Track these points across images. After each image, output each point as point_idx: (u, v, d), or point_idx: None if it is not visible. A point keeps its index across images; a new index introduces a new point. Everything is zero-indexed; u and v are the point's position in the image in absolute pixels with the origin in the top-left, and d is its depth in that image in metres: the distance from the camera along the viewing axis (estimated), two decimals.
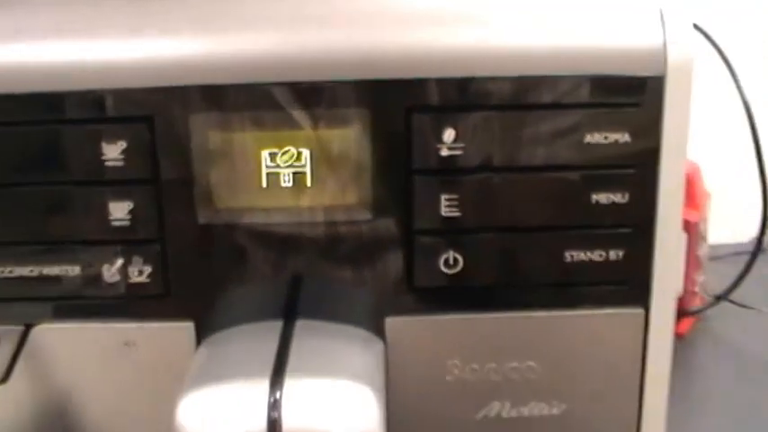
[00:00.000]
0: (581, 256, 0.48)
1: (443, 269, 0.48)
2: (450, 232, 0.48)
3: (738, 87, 1.07)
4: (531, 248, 0.48)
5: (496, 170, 0.47)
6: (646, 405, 0.51)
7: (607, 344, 0.50)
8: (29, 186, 0.48)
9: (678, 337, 1.13)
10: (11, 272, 0.49)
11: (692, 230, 1.10)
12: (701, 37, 1.15)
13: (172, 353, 0.49)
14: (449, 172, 0.47)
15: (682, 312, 1.11)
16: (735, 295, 1.12)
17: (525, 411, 0.51)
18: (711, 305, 1.15)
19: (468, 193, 0.47)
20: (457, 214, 0.47)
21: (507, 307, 0.49)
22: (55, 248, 0.49)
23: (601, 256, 0.48)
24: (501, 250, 0.48)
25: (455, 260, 0.48)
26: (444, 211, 0.47)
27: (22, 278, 0.49)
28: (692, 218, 1.09)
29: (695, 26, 1.16)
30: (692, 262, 1.11)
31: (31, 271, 0.49)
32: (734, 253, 1.15)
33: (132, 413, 0.51)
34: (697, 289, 1.13)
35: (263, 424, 0.42)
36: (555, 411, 0.51)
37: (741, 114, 1.07)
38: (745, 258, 1.09)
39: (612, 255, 0.48)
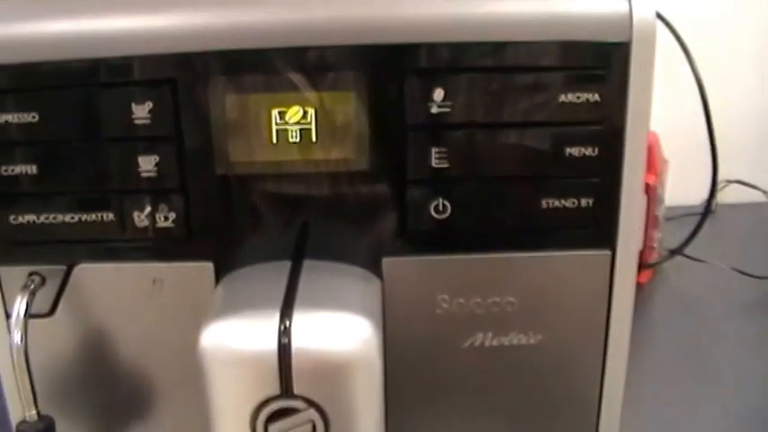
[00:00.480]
0: (555, 203, 0.47)
1: (433, 215, 0.47)
2: (440, 182, 0.46)
3: (690, 63, 1.06)
4: (511, 196, 0.47)
5: (480, 126, 0.46)
6: (611, 337, 0.50)
7: (578, 282, 0.49)
8: (69, 143, 0.46)
9: (638, 286, 1.12)
10: (54, 218, 0.48)
11: (651, 193, 1.08)
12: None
13: (193, 290, 0.48)
14: (438, 128, 0.45)
15: (641, 265, 1.10)
16: (688, 250, 1.11)
17: (506, 341, 0.49)
18: (667, 259, 1.14)
19: (455, 147, 0.46)
20: (445, 165, 0.46)
21: (490, 248, 0.48)
22: (92, 198, 0.47)
23: (573, 203, 0.47)
24: (484, 198, 0.47)
25: (444, 207, 0.47)
26: (434, 162, 0.46)
27: (64, 224, 0.48)
28: (651, 181, 1.07)
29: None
30: (651, 221, 1.10)
31: (72, 218, 0.48)
32: (688, 214, 1.13)
33: (159, 342, 0.50)
34: (655, 245, 1.12)
35: (275, 348, 0.41)
36: (532, 341, 0.49)
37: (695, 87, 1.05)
38: (698, 218, 1.08)
39: (583, 202, 0.47)
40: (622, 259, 0.48)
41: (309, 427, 0.42)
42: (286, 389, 0.42)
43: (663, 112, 1.19)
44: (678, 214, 1.18)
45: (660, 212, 1.12)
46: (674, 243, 1.12)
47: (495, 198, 0.47)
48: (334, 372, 0.42)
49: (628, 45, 0.44)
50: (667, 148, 1.15)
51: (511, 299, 0.48)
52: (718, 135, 1.07)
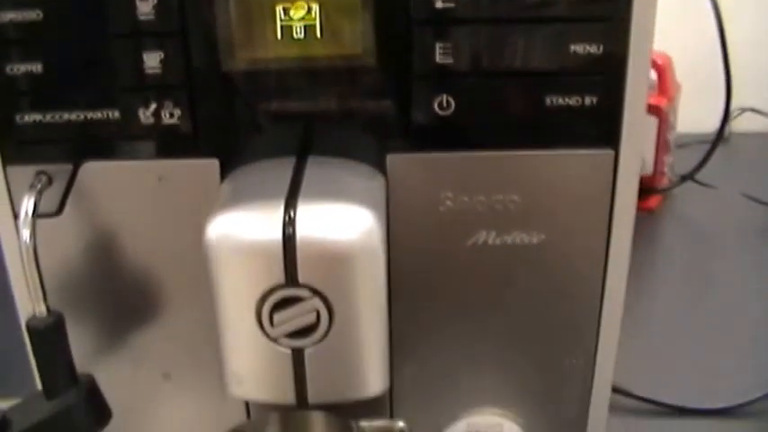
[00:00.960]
0: (559, 101, 0.47)
1: (438, 111, 0.48)
2: (444, 77, 0.47)
3: None
4: (515, 93, 0.48)
5: (485, 21, 0.46)
6: (613, 237, 0.51)
7: (581, 181, 0.49)
8: (73, 41, 0.47)
9: (647, 212, 1.13)
10: (60, 117, 0.48)
11: (663, 116, 1.09)
12: None
13: (199, 186, 0.49)
14: (443, 23, 0.46)
15: (651, 190, 1.11)
16: (699, 177, 1.12)
17: (508, 240, 0.50)
18: (677, 184, 1.15)
19: (459, 42, 0.46)
20: (450, 61, 0.47)
21: (494, 146, 0.49)
22: (98, 96, 0.48)
23: (577, 101, 0.47)
24: (488, 94, 0.47)
25: (448, 103, 0.47)
26: (439, 58, 0.46)
27: (70, 122, 0.48)
28: (663, 105, 1.08)
29: None
30: (662, 145, 1.11)
31: (78, 116, 0.48)
32: (700, 141, 1.14)
33: (166, 239, 0.51)
34: (666, 170, 1.13)
35: (280, 238, 0.42)
36: (534, 240, 0.50)
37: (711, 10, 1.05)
38: (710, 146, 1.09)
39: (587, 100, 0.47)
40: (625, 159, 0.48)
41: (314, 315, 0.44)
42: (291, 278, 0.43)
43: (677, 36, 1.20)
44: (691, 141, 1.18)
45: (671, 137, 1.13)
46: (685, 170, 1.13)
47: (499, 95, 0.47)
48: (338, 261, 0.43)
49: None
50: (681, 73, 1.15)
51: (514, 197, 0.49)
52: (733, 62, 1.07)
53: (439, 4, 0.45)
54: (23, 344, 0.51)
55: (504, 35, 0.46)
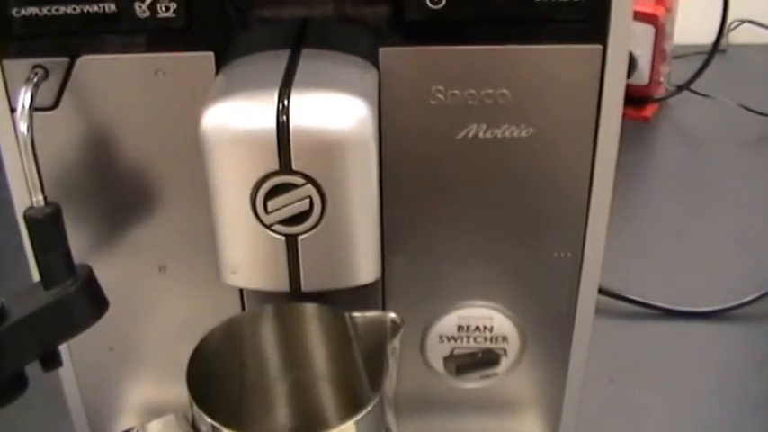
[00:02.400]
0: None
1: (429, 5, 0.49)
2: None
3: None
4: None
5: None
6: (601, 132, 0.53)
7: (569, 76, 0.51)
8: None
9: (644, 120, 1.15)
10: (56, 10, 0.50)
11: (659, 25, 1.10)
12: None
13: (195, 80, 0.51)
14: None
15: (647, 99, 1.13)
16: (696, 88, 1.14)
17: (499, 133, 0.52)
18: (674, 94, 1.17)
19: None
20: None
21: (484, 40, 0.50)
22: None
23: None
24: None
25: None
26: None
27: (66, 15, 0.50)
28: (660, 13, 1.09)
29: None
30: (659, 54, 1.12)
31: (74, 9, 0.50)
32: (698, 52, 1.16)
33: (162, 132, 0.53)
34: (662, 79, 1.15)
35: (273, 125, 0.44)
36: (524, 134, 0.53)
37: None
38: (705, 57, 1.10)
39: None
40: (613, 55, 0.50)
41: (307, 202, 0.46)
42: (285, 165, 0.45)
43: None
44: (689, 53, 1.20)
45: (669, 47, 1.14)
46: (683, 80, 1.15)
47: None
48: (330, 148, 0.45)
49: None
50: None
51: (504, 91, 0.51)
52: None
53: None
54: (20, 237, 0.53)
55: None
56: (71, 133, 0.54)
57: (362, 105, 0.45)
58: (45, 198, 0.51)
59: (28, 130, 0.50)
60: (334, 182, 0.46)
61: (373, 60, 0.50)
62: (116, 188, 0.55)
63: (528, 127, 0.52)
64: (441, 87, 0.51)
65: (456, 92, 0.51)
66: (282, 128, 0.44)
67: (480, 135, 0.52)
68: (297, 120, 0.44)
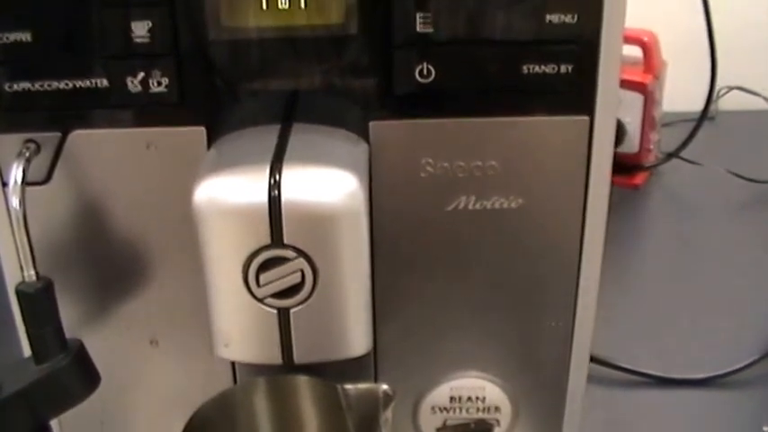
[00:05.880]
0: (536, 68, 0.51)
1: (418, 79, 0.51)
2: (424, 46, 0.50)
3: None
4: (493, 61, 0.51)
5: None
6: (590, 201, 0.54)
7: (557, 147, 0.53)
8: (62, 9, 0.50)
9: (634, 188, 1.17)
10: (49, 85, 0.51)
11: (648, 93, 1.13)
12: None
13: (187, 154, 0.52)
14: None
15: (637, 167, 1.15)
16: (685, 155, 1.16)
17: (488, 204, 0.54)
18: (663, 161, 1.19)
19: (439, 11, 0.50)
20: (430, 30, 0.50)
21: (473, 113, 0.52)
22: (86, 64, 0.51)
23: (553, 69, 0.51)
24: (467, 62, 0.51)
25: (428, 71, 0.51)
26: (419, 27, 0.50)
27: (58, 91, 0.51)
28: (649, 82, 1.12)
29: None
30: (648, 122, 1.15)
31: (66, 84, 0.52)
32: (687, 120, 1.18)
33: (154, 206, 0.54)
34: (652, 147, 1.17)
35: (265, 200, 0.46)
36: (513, 205, 0.54)
37: None
38: (694, 124, 1.13)
39: (563, 68, 0.51)
40: (600, 125, 0.52)
41: (299, 275, 0.47)
42: (276, 239, 0.47)
43: (665, 13, 1.24)
44: (679, 120, 1.23)
45: (658, 114, 1.17)
46: (672, 148, 1.17)
47: (477, 63, 0.51)
48: (322, 222, 0.47)
49: None
50: (668, 51, 1.19)
51: (493, 163, 0.53)
52: (721, 40, 1.11)
53: None
54: (10, 310, 0.54)
55: (482, 5, 0.50)
56: (63, 207, 0.55)
57: (353, 179, 0.47)
58: (37, 273, 0.52)
59: (20, 205, 0.51)
60: (325, 255, 0.47)
61: (363, 133, 0.52)
62: (108, 261, 0.56)
63: (517, 198, 0.54)
64: (430, 159, 0.53)
65: (445, 164, 0.53)
66: (274, 202, 0.46)
67: (470, 206, 0.54)
68: (288, 194, 0.46)
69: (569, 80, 0.51)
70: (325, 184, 0.47)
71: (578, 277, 0.56)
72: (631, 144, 1.16)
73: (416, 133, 0.53)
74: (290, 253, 0.47)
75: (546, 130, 0.53)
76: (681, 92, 1.21)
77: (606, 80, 0.52)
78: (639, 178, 1.18)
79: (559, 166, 0.53)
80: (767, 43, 1.44)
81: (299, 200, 0.46)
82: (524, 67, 0.51)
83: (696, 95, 1.16)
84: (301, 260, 0.47)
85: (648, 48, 1.14)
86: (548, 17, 0.50)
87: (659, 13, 1.30)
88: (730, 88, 1.42)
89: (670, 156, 1.17)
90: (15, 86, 0.52)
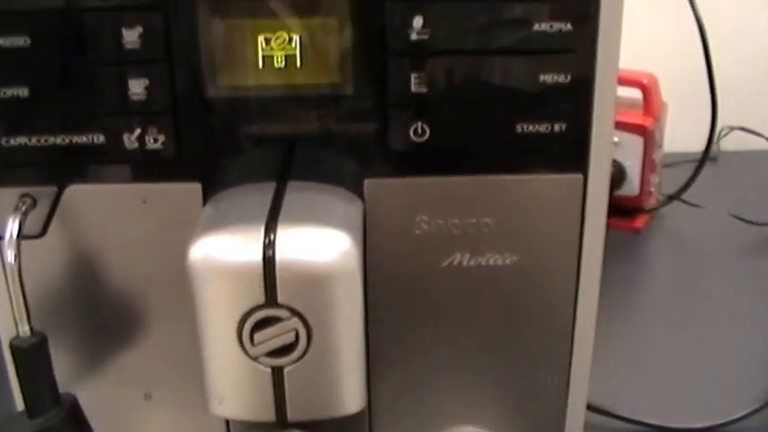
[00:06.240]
0: (529, 128, 0.52)
1: (413, 137, 0.52)
2: (419, 106, 0.52)
3: (693, 6, 1.11)
4: (487, 121, 0.52)
5: (458, 53, 0.51)
6: (584, 259, 0.55)
7: (551, 205, 0.54)
8: (60, 67, 0.51)
9: (635, 231, 1.18)
10: (46, 141, 0.53)
11: (649, 136, 1.14)
12: None
13: (182, 210, 0.53)
14: (418, 54, 0.51)
15: (638, 209, 1.16)
16: (686, 197, 1.17)
17: (482, 261, 0.55)
18: (664, 204, 1.20)
19: (433, 72, 0.51)
20: (424, 90, 0.51)
21: (467, 171, 0.53)
22: (83, 120, 0.52)
23: (546, 128, 0.52)
24: (462, 122, 0.52)
25: (423, 130, 0.52)
26: (414, 87, 0.51)
27: (55, 146, 0.53)
28: (649, 124, 1.13)
29: None
30: (649, 165, 1.16)
31: (63, 140, 0.53)
32: (688, 160, 1.19)
33: (149, 260, 0.55)
34: (653, 189, 1.18)
35: (260, 259, 0.47)
36: (508, 262, 0.55)
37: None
38: (695, 165, 1.14)
39: (556, 127, 0.52)
40: (594, 183, 0.53)
41: (293, 334, 0.48)
42: (270, 299, 0.47)
43: (663, 55, 1.26)
44: (681, 160, 1.23)
45: (658, 157, 1.18)
46: (675, 188, 1.18)
47: (472, 122, 0.52)
48: (316, 282, 0.47)
49: None
50: (668, 92, 1.20)
51: (487, 220, 0.54)
52: (723, 80, 1.12)
53: (414, 36, 0.50)
54: (4, 364, 0.55)
55: (476, 66, 0.51)
56: (58, 261, 0.56)
57: (347, 239, 0.48)
58: (31, 328, 0.53)
59: (15, 260, 0.52)
60: (319, 315, 0.48)
61: (358, 191, 0.53)
62: (102, 316, 0.57)
63: (512, 255, 0.55)
64: (425, 217, 0.54)
65: (440, 221, 0.54)
66: (269, 262, 0.47)
67: (464, 263, 0.55)
68: (283, 254, 0.47)
69: (563, 139, 0.52)
70: (320, 244, 0.47)
71: (573, 333, 0.57)
72: (632, 187, 1.16)
73: (411, 191, 0.53)
74: (284, 313, 0.47)
75: (540, 188, 0.53)
76: (682, 132, 1.22)
77: (599, 139, 0.53)
78: (640, 221, 1.19)
79: (554, 223, 0.54)
80: None
81: (294, 260, 0.47)
82: (518, 127, 0.52)
83: (698, 135, 1.16)
84: (295, 320, 0.48)
85: (648, 90, 1.16)
86: (541, 77, 0.51)
87: (659, 53, 1.32)
88: (732, 128, 1.43)
89: (671, 198, 1.18)
90: (12, 141, 0.53)
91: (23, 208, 0.53)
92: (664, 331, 0.98)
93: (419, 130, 0.52)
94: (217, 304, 0.48)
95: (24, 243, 0.53)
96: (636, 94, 1.16)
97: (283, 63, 0.51)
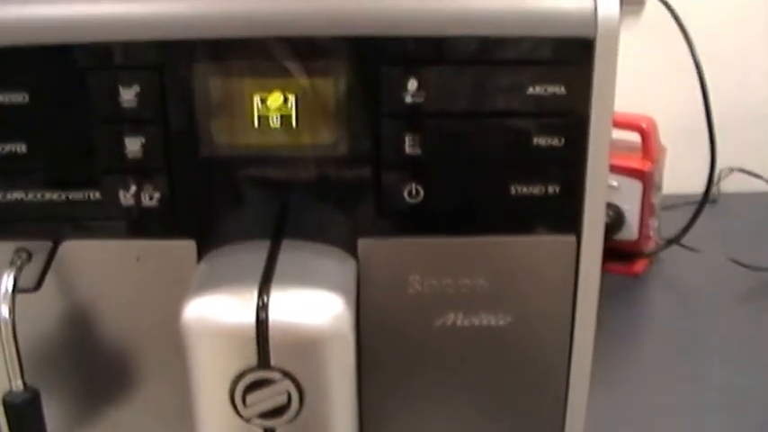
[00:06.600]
0: (523, 190, 0.53)
1: (407, 199, 0.53)
2: (413, 167, 0.52)
3: (691, 49, 1.12)
4: (480, 183, 0.53)
5: (452, 115, 0.52)
6: (578, 319, 0.56)
7: (545, 266, 0.55)
8: (58, 124, 0.52)
9: (634, 275, 1.19)
10: (42, 196, 0.53)
11: (648, 180, 1.14)
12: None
13: (176, 266, 0.54)
14: (412, 116, 0.51)
15: (637, 254, 1.17)
16: (686, 240, 1.17)
17: (476, 321, 0.55)
18: (663, 248, 1.20)
19: (428, 135, 0.52)
20: (418, 152, 0.52)
21: (461, 232, 0.54)
22: (79, 177, 0.53)
23: (540, 190, 0.53)
24: (456, 184, 0.53)
25: (417, 191, 0.53)
26: (408, 149, 0.52)
27: (51, 201, 0.53)
28: (648, 168, 1.13)
29: None
30: (647, 209, 1.16)
31: (59, 196, 0.53)
32: (688, 203, 1.20)
33: (143, 317, 0.56)
34: (651, 233, 1.18)
35: (253, 322, 0.47)
36: (501, 322, 0.56)
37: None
38: (695, 208, 1.14)
39: (550, 189, 0.53)
40: (587, 245, 0.54)
41: (285, 396, 0.49)
42: (263, 361, 0.48)
43: (662, 98, 1.27)
44: (679, 202, 1.24)
45: (657, 200, 1.18)
46: (675, 230, 1.18)
47: (465, 184, 0.53)
48: (308, 345, 0.48)
49: (592, 41, 0.50)
50: (667, 133, 1.21)
51: (481, 281, 0.55)
52: (723, 122, 1.14)
53: (409, 99, 0.51)
54: None
55: (470, 128, 0.52)
56: (52, 315, 0.56)
57: (340, 301, 0.48)
58: (24, 383, 0.53)
59: (9, 314, 0.52)
60: (312, 377, 0.48)
61: (352, 250, 0.54)
62: (95, 370, 0.57)
63: (505, 315, 0.55)
64: (418, 277, 0.54)
65: (434, 281, 0.54)
66: (261, 324, 0.47)
67: (458, 323, 0.55)
68: (275, 316, 0.47)
69: (557, 200, 0.53)
70: (312, 307, 0.48)
71: (567, 393, 0.57)
72: (630, 231, 1.17)
73: (405, 251, 0.54)
74: (276, 375, 0.48)
75: (533, 249, 0.54)
76: (682, 174, 1.23)
77: (593, 200, 0.53)
78: (639, 266, 1.19)
79: (547, 284, 0.55)
80: None
81: (286, 322, 0.48)
82: (512, 188, 0.53)
83: (697, 176, 1.17)
84: (288, 382, 0.48)
85: (647, 134, 1.16)
86: (535, 140, 0.52)
87: (657, 95, 1.33)
88: (732, 170, 1.44)
89: (670, 242, 1.19)
90: (9, 196, 0.53)
91: (19, 262, 0.54)
92: (661, 379, 0.98)
93: (413, 192, 0.53)
94: (210, 365, 0.49)
95: (19, 297, 0.53)
96: (634, 137, 1.17)
97: (279, 123, 0.52)
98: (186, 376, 0.50)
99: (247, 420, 0.49)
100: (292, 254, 0.52)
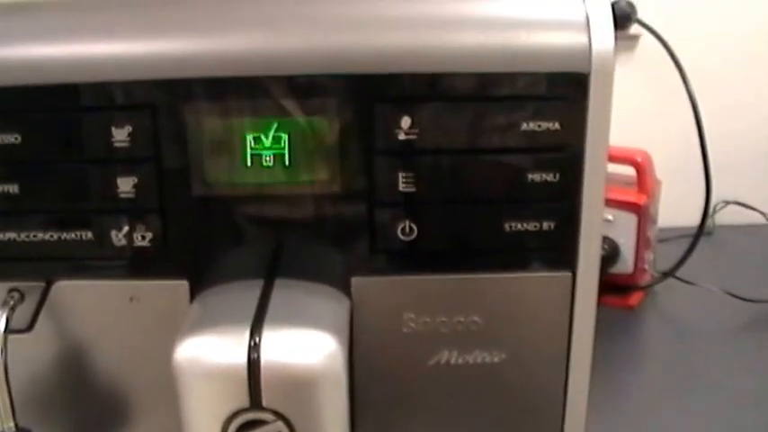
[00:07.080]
0: (518, 226, 0.52)
1: (401, 236, 0.53)
2: (406, 205, 0.52)
3: (686, 84, 1.12)
4: (475, 220, 0.53)
5: (446, 152, 0.51)
6: (573, 357, 0.55)
7: (540, 302, 0.54)
8: (50, 164, 0.52)
9: (629, 308, 1.18)
10: (35, 236, 0.53)
11: (643, 213, 1.14)
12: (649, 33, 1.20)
13: (169, 307, 0.54)
14: (405, 154, 0.51)
15: (632, 287, 1.16)
16: (681, 273, 1.17)
17: (470, 359, 0.55)
18: (658, 281, 1.20)
19: (421, 172, 0.51)
20: (412, 190, 0.52)
21: (455, 269, 0.54)
22: (72, 217, 0.53)
23: (535, 226, 0.52)
24: (450, 221, 0.53)
25: (411, 229, 0.52)
26: (402, 186, 0.52)
27: (44, 242, 0.53)
28: (643, 202, 1.13)
29: (642, 23, 1.21)
30: (643, 242, 1.16)
31: (52, 236, 0.53)
32: (681, 236, 1.19)
33: (135, 357, 0.55)
34: (647, 266, 1.18)
35: (245, 362, 0.47)
36: (496, 360, 0.55)
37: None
38: (691, 240, 1.14)
39: (545, 225, 0.52)
40: (582, 281, 0.53)
41: None
42: (255, 401, 0.47)
43: (657, 132, 1.27)
44: (675, 236, 1.24)
45: (652, 234, 1.18)
46: (670, 263, 1.18)
47: (459, 221, 0.52)
48: (300, 385, 0.47)
49: (587, 76, 0.50)
50: (663, 166, 1.21)
51: (475, 318, 0.54)
52: (718, 155, 1.14)
53: (402, 136, 0.51)
54: None
55: (464, 165, 0.51)
56: (45, 356, 0.56)
57: (332, 341, 0.48)
58: (16, 424, 0.53)
59: (1, 354, 0.52)
60: (304, 417, 0.48)
61: (345, 288, 0.53)
62: (87, 411, 0.57)
63: (500, 352, 0.55)
64: (412, 315, 0.54)
65: (427, 319, 0.54)
66: (253, 364, 0.47)
67: (452, 361, 0.55)
68: (268, 357, 0.47)
69: (551, 237, 0.53)
70: (304, 347, 0.48)
71: (563, 429, 0.57)
72: (626, 264, 1.17)
73: (399, 289, 0.54)
74: (268, 416, 0.47)
75: (528, 286, 0.54)
76: (677, 206, 1.23)
77: (588, 235, 0.53)
78: (634, 299, 1.19)
79: (542, 321, 0.54)
80: (763, 157, 1.46)
81: (278, 363, 0.47)
82: (506, 225, 0.52)
83: (693, 209, 1.17)
84: (280, 423, 0.48)
85: (642, 168, 1.16)
86: (530, 176, 0.52)
87: (652, 129, 1.33)
88: (727, 203, 1.44)
89: (666, 275, 1.18)
90: (1, 236, 0.53)
91: (11, 303, 0.54)
92: (657, 413, 0.97)
93: (407, 229, 0.52)
94: (202, 405, 0.48)
95: (11, 337, 0.53)
96: (630, 171, 1.17)
97: (272, 162, 0.51)
98: (178, 416, 0.49)
99: None
100: (285, 293, 0.51)
